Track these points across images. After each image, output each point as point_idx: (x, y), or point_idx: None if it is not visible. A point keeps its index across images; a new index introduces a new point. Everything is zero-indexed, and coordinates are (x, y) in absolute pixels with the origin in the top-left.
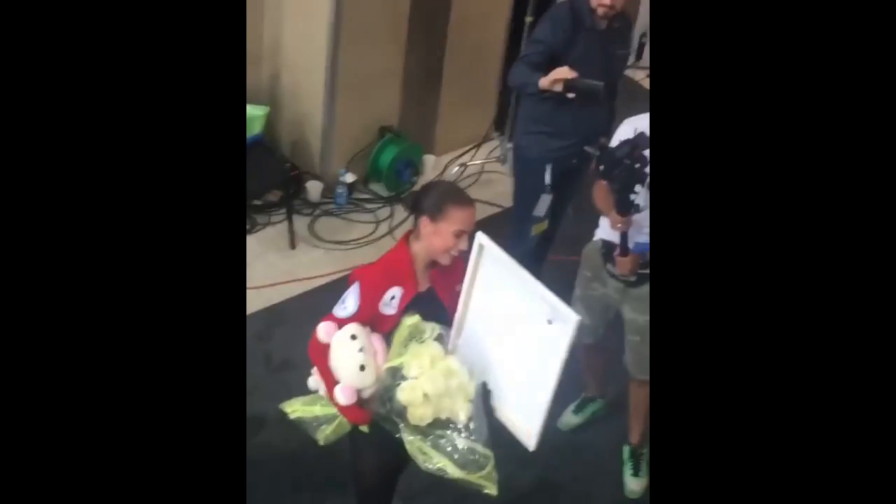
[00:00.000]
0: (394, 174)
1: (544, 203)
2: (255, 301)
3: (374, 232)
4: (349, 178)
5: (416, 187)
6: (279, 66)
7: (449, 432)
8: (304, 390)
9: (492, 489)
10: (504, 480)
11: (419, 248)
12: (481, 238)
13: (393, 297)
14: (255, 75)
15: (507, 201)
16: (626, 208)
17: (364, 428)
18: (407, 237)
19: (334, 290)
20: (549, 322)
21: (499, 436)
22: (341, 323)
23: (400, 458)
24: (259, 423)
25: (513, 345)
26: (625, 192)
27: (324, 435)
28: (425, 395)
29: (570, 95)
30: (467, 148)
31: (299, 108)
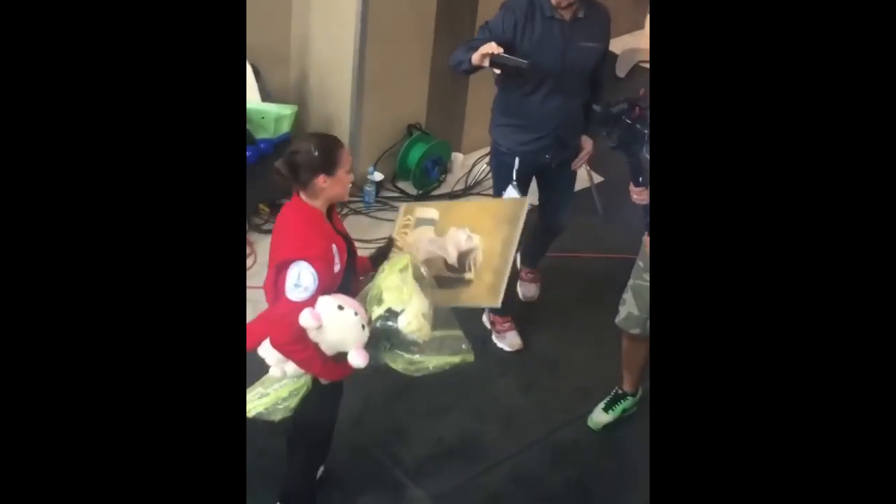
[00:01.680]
0: (422, 172)
1: (510, 196)
2: None
3: None
4: (377, 176)
5: (444, 185)
6: (307, 65)
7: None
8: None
9: (469, 357)
10: (534, 481)
11: (320, 204)
12: None
13: (335, 255)
14: (283, 75)
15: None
16: (635, 177)
17: (325, 381)
18: (297, 203)
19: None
20: None
21: (530, 435)
22: (309, 304)
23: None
24: None
25: None
26: (629, 155)
27: (290, 409)
28: (423, 315)
29: (497, 71)
30: None
31: (327, 107)
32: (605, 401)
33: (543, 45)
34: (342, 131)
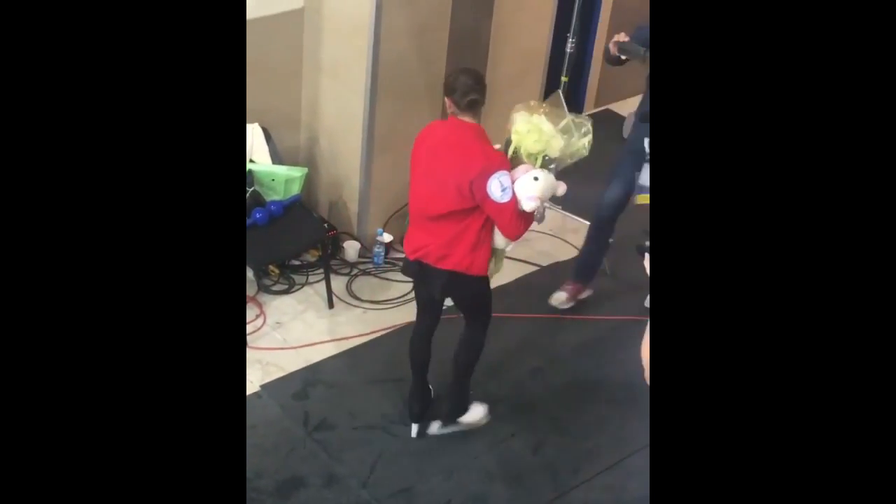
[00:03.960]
0: None
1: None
2: (294, 360)
3: (411, 291)
4: (386, 237)
5: None
6: (317, 129)
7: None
8: (341, 450)
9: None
10: None
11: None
12: None
13: None
14: (294, 138)
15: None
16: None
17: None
18: (462, 125)
19: (372, 349)
20: None
21: (539, 497)
22: (514, 198)
23: None
24: (297, 483)
25: None
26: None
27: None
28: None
29: (623, 57)
30: None
31: (337, 170)
32: None
33: None
34: (352, 193)
